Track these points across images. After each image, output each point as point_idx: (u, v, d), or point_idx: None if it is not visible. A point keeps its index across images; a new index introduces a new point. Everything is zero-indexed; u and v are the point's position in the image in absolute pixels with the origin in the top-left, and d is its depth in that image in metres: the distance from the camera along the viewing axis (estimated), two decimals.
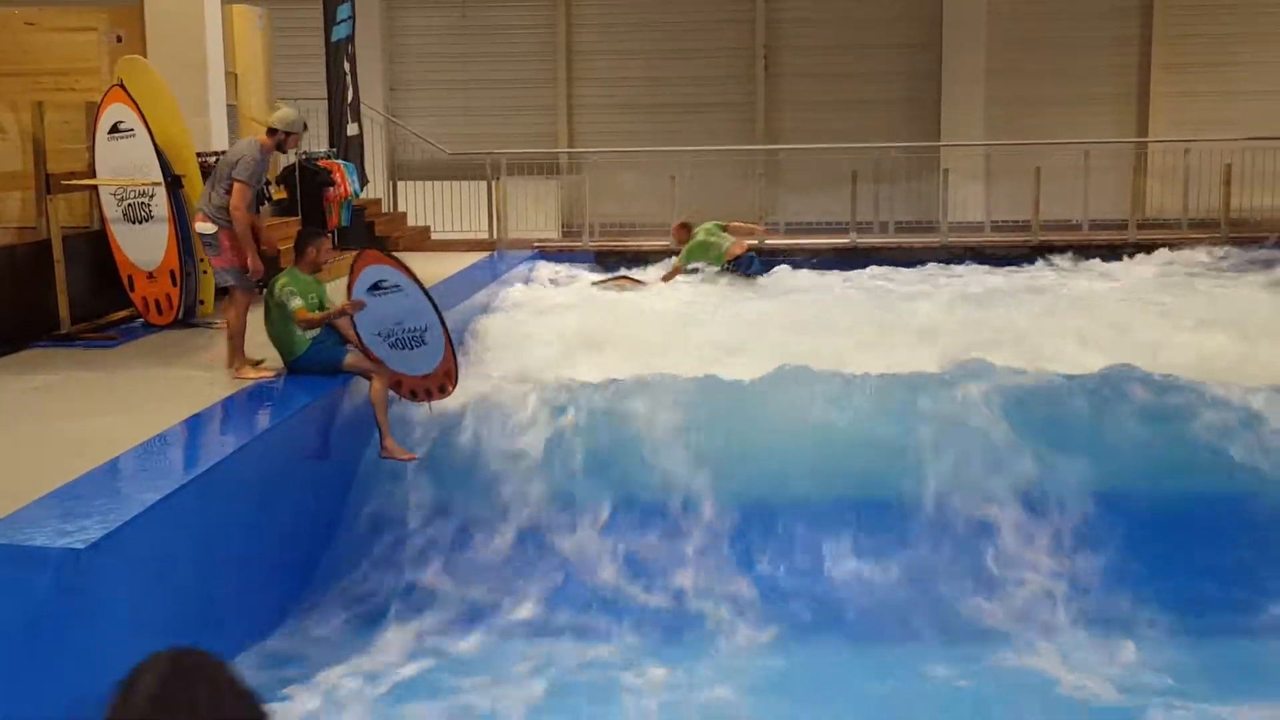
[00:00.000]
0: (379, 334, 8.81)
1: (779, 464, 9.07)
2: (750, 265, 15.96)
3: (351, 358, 8.78)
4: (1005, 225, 18.69)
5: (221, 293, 11.41)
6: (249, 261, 8.80)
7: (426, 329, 8.83)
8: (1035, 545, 8.48)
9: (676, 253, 16.45)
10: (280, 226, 9.37)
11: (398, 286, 8.70)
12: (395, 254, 8.97)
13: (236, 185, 8.80)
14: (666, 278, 16.05)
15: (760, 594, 8.17)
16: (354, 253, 13.18)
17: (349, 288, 8.76)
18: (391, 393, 8.93)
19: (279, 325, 8.76)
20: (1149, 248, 17.38)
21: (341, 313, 8.70)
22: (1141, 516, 8.61)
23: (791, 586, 8.26)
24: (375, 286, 8.68)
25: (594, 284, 16.13)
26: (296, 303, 8.56)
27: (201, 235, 9.19)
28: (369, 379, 8.76)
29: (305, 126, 9.14)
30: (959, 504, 8.69)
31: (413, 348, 8.88)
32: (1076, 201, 18.27)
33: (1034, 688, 7.13)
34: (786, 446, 9.20)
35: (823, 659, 7.51)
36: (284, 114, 9.28)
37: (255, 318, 9.10)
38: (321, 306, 8.76)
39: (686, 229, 16.36)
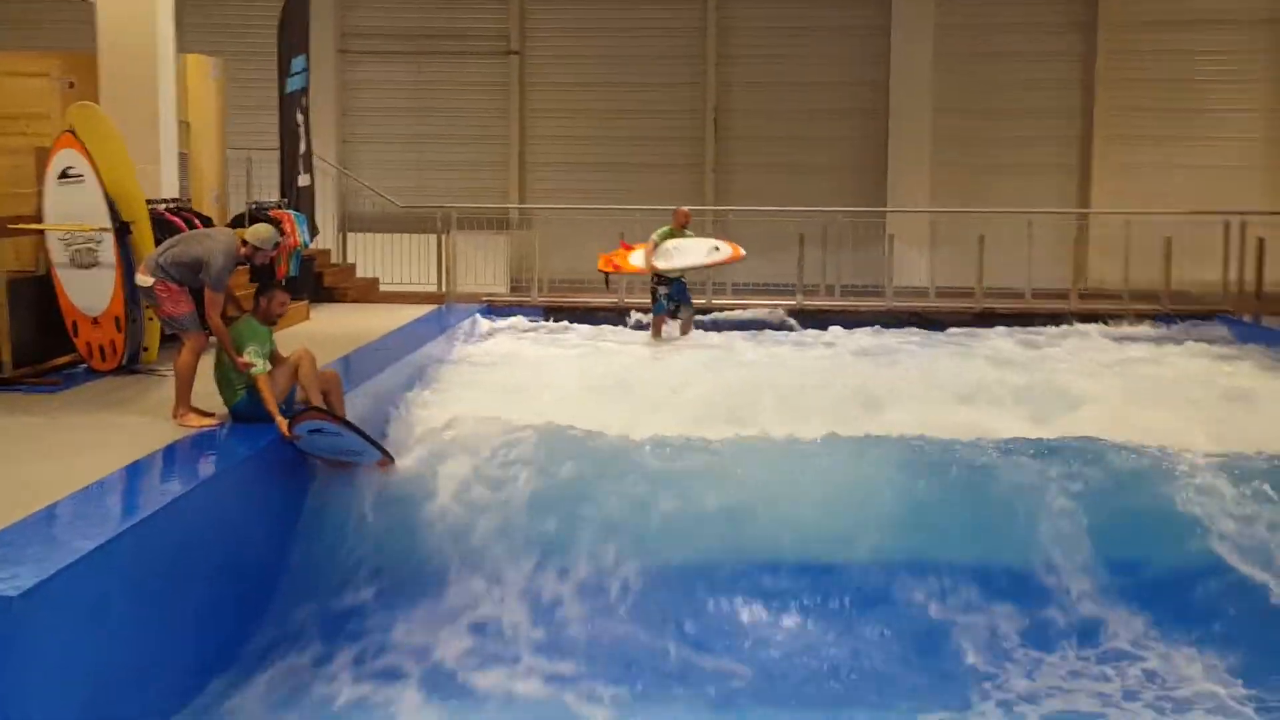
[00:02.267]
0: (315, 449, 8.94)
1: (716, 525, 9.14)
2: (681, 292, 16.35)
3: (264, 383, 8.77)
4: (949, 291, 18.92)
5: (169, 340, 11.40)
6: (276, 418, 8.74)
7: (362, 453, 8.95)
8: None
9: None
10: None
11: (337, 434, 8.75)
12: (332, 413, 8.95)
13: (210, 295, 8.83)
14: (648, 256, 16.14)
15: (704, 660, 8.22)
16: (304, 303, 13.29)
17: (289, 425, 8.72)
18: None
19: (226, 370, 8.81)
20: (1089, 318, 17.66)
21: (278, 423, 8.70)
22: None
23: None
24: (314, 431, 8.74)
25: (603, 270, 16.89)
26: (259, 366, 8.67)
27: (140, 287, 9.19)
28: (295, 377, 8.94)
29: (276, 246, 9.37)
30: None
31: (346, 461, 9.00)
32: (1020, 269, 18.52)
33: None
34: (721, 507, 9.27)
35: None
36: (259, 230, 9.36)
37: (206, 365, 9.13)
38: (269, 356, 8.82)
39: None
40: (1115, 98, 21.56)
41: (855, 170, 21.81)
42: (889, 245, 18.80)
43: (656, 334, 16.32)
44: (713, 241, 16.65)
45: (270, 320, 8.94)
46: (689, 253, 16.23)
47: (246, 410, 8.82)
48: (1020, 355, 15.26)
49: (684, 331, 16.30)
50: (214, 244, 9.04)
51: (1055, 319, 17.69)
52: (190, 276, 8.96)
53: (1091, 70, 21.57)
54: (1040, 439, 10.09)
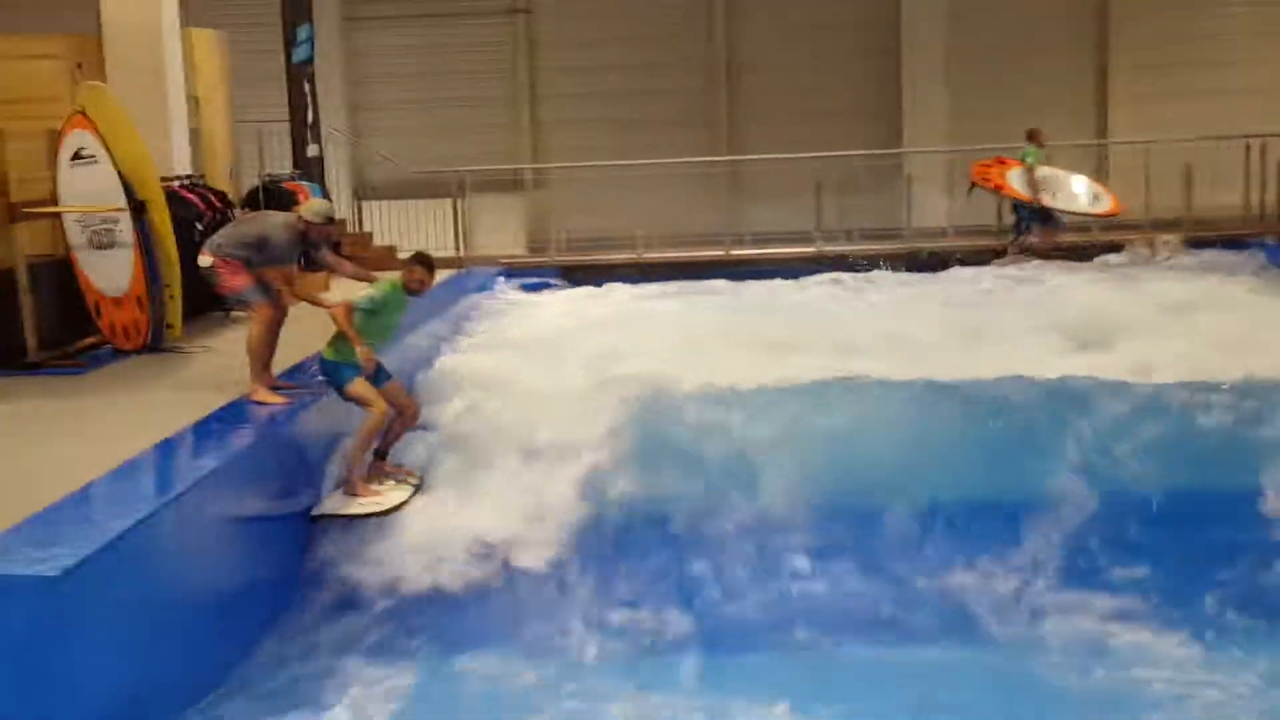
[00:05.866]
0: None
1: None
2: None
3: (358, 386, 8.55)
4: (969, 230, 18.80)
5: (193, 317, 11.42)
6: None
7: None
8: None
9: None
10: None
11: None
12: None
13: (281, 270, 8.97)
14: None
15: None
16: (322, 274, 13.27)
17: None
18: None
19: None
20: (1116, 248, 17.51)
21: (362, 355, 8.48)
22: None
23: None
24: None
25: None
26: (358, 298, 8.49)
27: (202, 268, 9.13)
28: (366, 410, 8.62)
29: (332, 220, 9.21)
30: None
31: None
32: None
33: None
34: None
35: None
36: (314, 204, 9.29)
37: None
38: (380, 319, 8.61)
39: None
40: (1129, 27, 21.29)
41: (870, 114, 21.56)
42: (907, 187, 18.69)
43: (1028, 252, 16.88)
44: (1094, 187, 17.17)
45: (408, 289, 8.68)
46: (1072, 195, 16.89)
47: (329, 369, 8.60)
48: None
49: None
50: (272, 220, 9.19)
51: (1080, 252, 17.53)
52: (255, 254, 8.97)
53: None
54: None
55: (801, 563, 8.57)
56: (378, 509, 8.49)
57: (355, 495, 8.53)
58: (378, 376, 8.71)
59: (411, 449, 9.35)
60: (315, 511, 8.49)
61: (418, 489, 8.87)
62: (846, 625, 8.13)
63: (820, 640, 8.03)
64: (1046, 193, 16.81)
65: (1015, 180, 16.96)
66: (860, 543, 8.65)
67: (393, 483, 8.83)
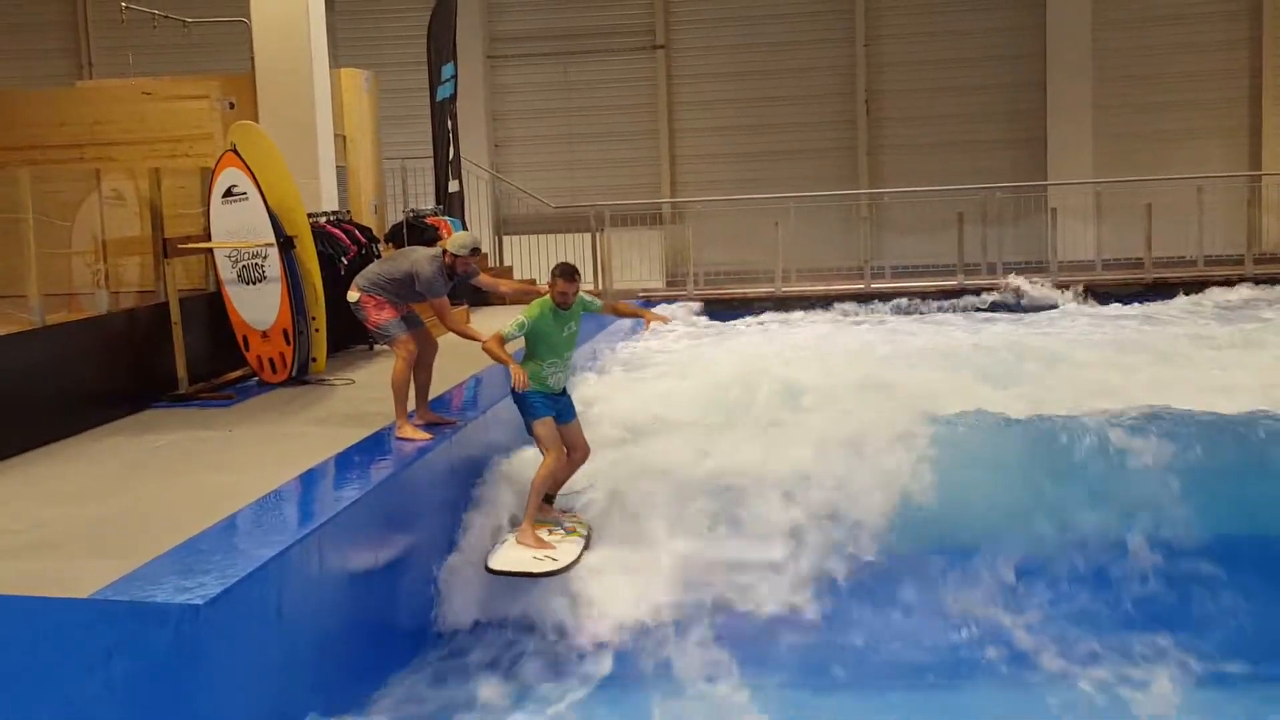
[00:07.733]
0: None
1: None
2: None
3: (541, 428, 8.57)
4: (1117, 263, 18.40)
5: (337, 350, 11.62)
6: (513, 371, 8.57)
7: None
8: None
9: None
10: None
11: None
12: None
13: (435, 303, 9.03)
14: None
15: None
16: (464, 307, 13.39)
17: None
18: None
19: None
20: (1269, 282, 17.00)
21: (514, 373, 8.46)
22: None
23: None
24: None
25: None
26: (507, 327, 8.54)
27: (350, 304, 9.27)
28: (542, 453, 8.63)
29: (477, 251, 9.27)
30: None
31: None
32: (1190, 237, 17.94)
33: None
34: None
35: None
36: (458, 238, 9.35)
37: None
38: (544, 340, 8.58)
39: None
40: None
41: (1014, 144, 21.23)
42: (1052, 219, 18.34)
43: None
44: None
45: (556, 303, 8.60)
46: None
47: (518, 397, 8.63)
48: None
49: None
50: (418, 255, 9.23)
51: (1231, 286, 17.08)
52: (405, 291, 9.08)
53: (1259, 27, 20.71)
54: None
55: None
56: (554, 567, 8.21)
57: (528, 545, 8.38)
58: (563, 413, 8.73)
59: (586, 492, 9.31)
60: (491, 565, 8.26)
61: (588, 540, 8.68)
62: None
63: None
64: None
65: None
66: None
67: (562, 532, 8.67)
